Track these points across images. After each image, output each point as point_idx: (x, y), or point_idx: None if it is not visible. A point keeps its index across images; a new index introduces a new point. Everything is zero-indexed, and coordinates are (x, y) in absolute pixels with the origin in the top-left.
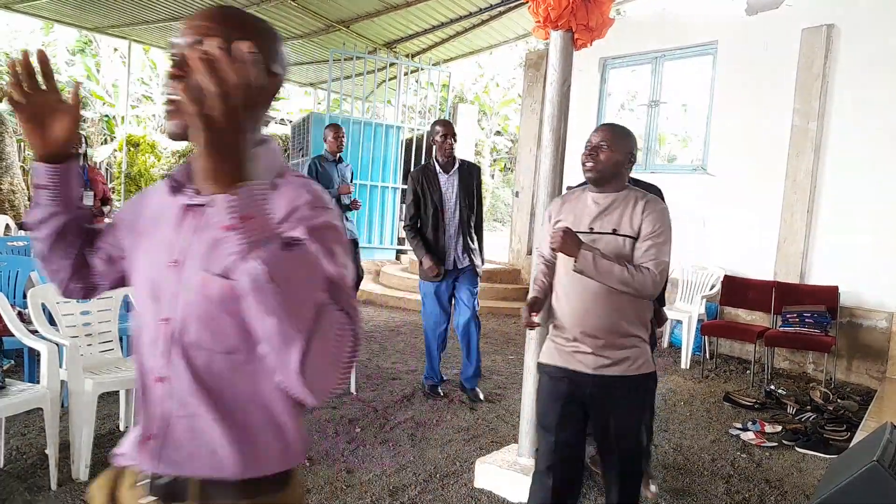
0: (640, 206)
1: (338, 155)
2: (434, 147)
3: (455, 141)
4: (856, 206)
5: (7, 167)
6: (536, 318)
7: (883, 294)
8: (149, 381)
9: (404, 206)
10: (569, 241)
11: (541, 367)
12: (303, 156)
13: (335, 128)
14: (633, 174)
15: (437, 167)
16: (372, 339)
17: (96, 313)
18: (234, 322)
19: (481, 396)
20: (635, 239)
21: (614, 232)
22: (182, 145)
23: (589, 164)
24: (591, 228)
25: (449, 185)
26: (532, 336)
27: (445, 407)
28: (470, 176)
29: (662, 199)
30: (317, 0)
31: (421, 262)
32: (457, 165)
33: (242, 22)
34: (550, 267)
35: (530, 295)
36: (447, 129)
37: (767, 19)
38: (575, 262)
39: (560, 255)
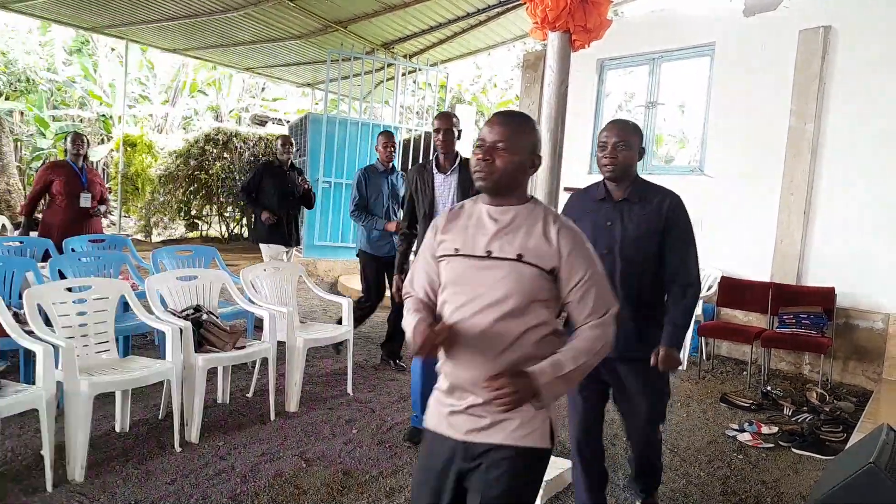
0: (553, 231)
1: (390, 164)
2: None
3: (455, 135)
4: (852, 207)
5: (4, 167)
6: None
7: (879, 295)
8: None
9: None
10: (522, 390)
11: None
12: (300, 156)
13: (386, 135)
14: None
15: (434, 165)
16: (369, 339)
17: (92, 314)
18: None
19: None
20: (548, 273)
21: (519, 258)
22: (179, 145)
23: (481, 172)
24: (489, 252)
25: (445, 186)
26: None
27: None
28: (470, 176)
29: (682, 205)
30: (314, 0)
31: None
32: (457, 163)
33: None
34: (429, 305)
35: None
36: (442, 121)
37: (765, 21)
38: (539, 400)
39: (447, 282)
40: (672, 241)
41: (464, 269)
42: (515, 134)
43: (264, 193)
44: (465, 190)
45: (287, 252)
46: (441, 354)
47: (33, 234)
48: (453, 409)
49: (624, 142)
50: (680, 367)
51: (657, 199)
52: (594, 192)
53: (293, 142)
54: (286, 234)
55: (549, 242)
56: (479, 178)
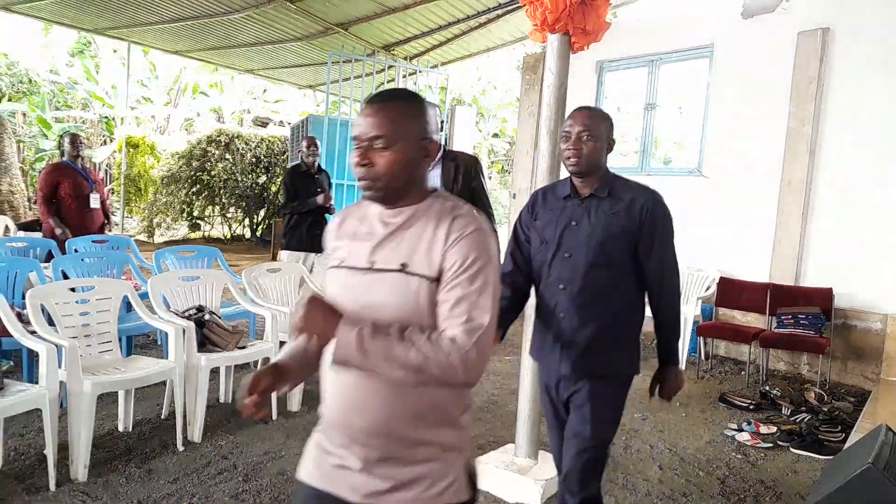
0: (445, 227)
1: None
2: None
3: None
4: (850, 208)
5: (6, 168)
6: (257, 401)
7: (877, 296)
8: None
9: None
10: (317, 318)
11: (296, 485)
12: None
13: None
14: (629, 177)
15: None
16: None
17: (95, 314)
18: None
19: None
20: (436, 281)
21: (403, 268)
22: (182, 146)
23: (363, 180)
24: (372, 263)
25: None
26: (529, 336)
27: None
28: (456, 169)
29: (662, 204)
30: (315, 3)
31: None
32: (439, 156)
33: None
34: None
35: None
36: None
37: (763, 23)
38: (334, 349)
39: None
40: (650, 246)
41: (346, 284)
42: (396, 123)
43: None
44: (448, 183)
45: (317, 257)
46: (322, 402)
47: (36, 234)
48: (345, 465)
49: (589, 131)
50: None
51: (630, 196)
52: (559, 189)
53: (318, 142)
54: (306, 240)
55: (437, 242)
56: (362, 186)
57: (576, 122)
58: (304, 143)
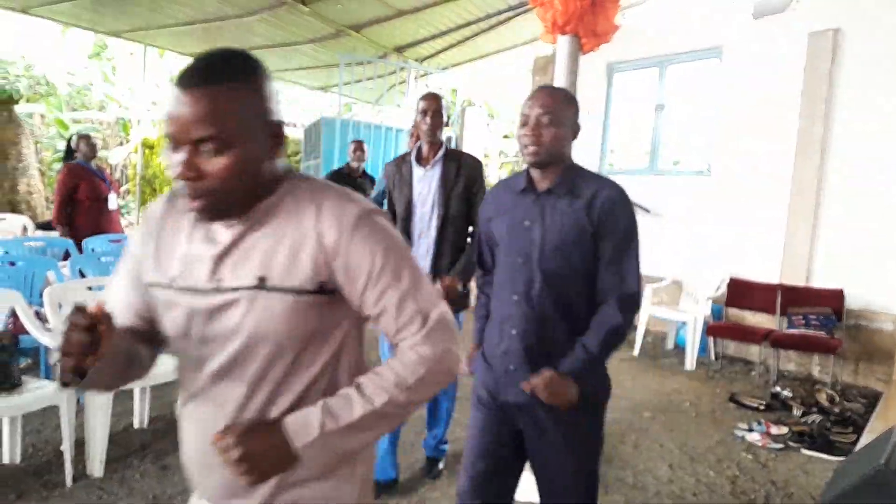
0: (311, 220)
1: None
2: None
3: (443, 120)
4: (861, 208)
5: (24, 168)
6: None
7: (889, 297)
8: None
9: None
10: (265, 458)
11: None
12: (315, 158)
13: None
14: (638, 178)
15: (415, 157)
16: (370, 346)
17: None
18: None
19: (440, 466)
20: (314, 293)
21: (261, 284)
22: None
23: (195, 201)
24: (219, 282)
25: (425, 182)
26: None
27: None
28: (458, 172)
29: (624, 200)
30: (327, 6)
31: None
32: (440, 155)
33: None
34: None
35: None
36: (430, 102)
37: (773, 23)
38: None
39: (168, 334)
40: (605, 250)
41: (185, 314)
42: (231, 112)
43: None
44: (449, 187)
45: None
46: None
47: (53, 233)
48: None
49: (552, 114)
50: (689, 368)
51: (591, 190)
52: (515, 182)
53: (365, 147)
54: None
55: (306, 242)
56: (193, 208)
57: (535, 104)
58: (351, 147)
